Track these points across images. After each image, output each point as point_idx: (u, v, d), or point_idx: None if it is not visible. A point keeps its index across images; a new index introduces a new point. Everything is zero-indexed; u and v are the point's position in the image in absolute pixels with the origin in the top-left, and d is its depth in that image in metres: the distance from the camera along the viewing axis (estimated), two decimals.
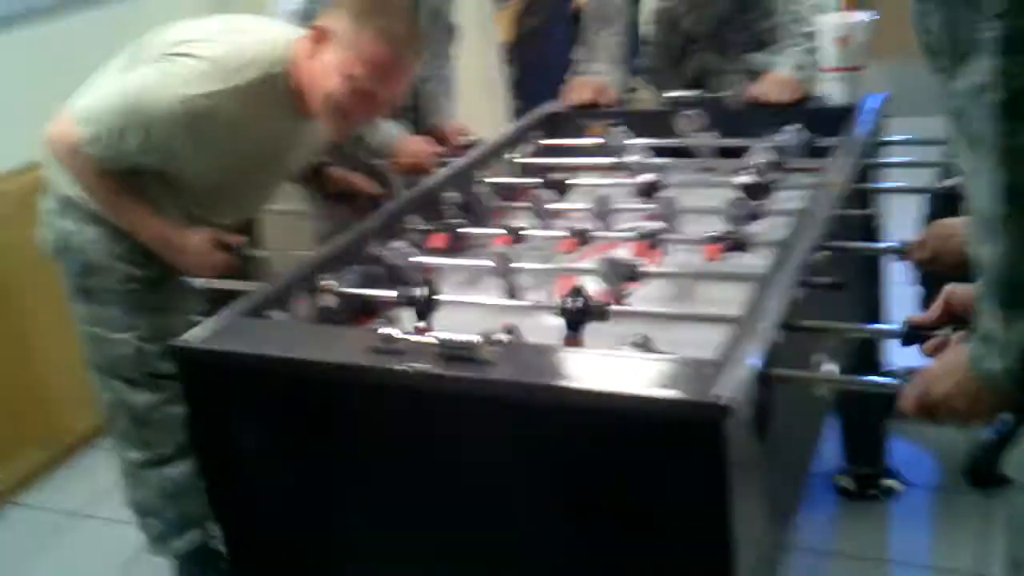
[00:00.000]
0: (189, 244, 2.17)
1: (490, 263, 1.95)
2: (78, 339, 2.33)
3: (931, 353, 1.44)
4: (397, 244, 2.06)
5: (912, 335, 1.50)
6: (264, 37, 2.10)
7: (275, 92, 2.07)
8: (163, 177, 2.14)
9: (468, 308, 1.89)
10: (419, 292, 1.80)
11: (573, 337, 1.68)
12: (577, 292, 1.70)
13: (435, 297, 1.80)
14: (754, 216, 2.03)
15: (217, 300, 1.93)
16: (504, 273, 1.92)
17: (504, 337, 1.50)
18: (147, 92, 2.04)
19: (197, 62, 2.03)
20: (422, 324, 1.76)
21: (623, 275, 1.82)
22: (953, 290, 1.48)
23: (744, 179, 2.18)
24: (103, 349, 2.29)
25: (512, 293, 1.93)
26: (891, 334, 1.58)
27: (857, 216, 2.15)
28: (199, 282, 2.19)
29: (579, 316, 1.68)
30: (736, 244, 1.91)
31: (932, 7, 1.17)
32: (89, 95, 2.11)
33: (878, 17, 2.40)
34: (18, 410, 3.15)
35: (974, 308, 1.25)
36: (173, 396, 2.24)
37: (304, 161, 2.37)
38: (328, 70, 2.01)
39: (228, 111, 2.03)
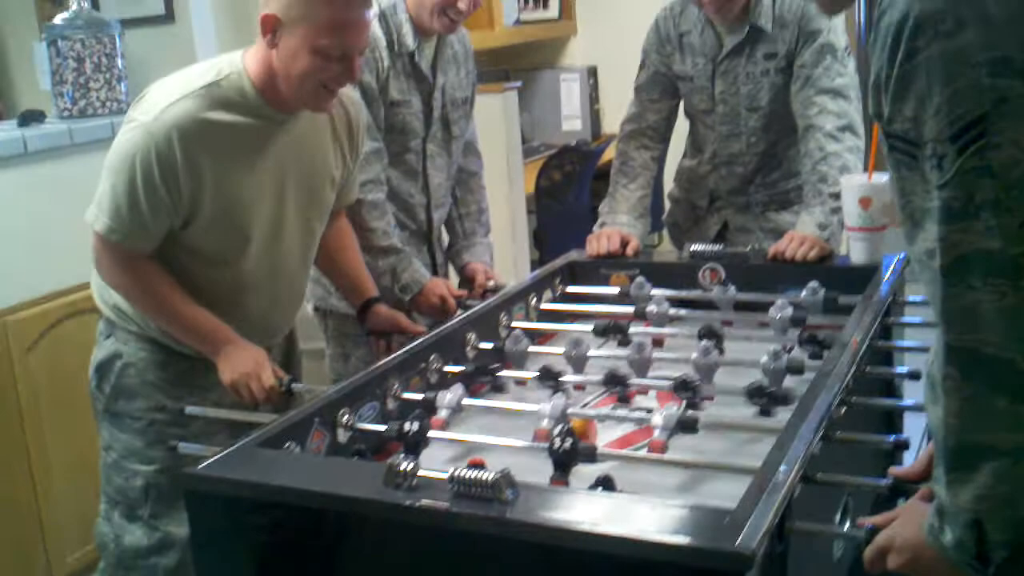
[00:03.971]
0: (245, 351, 2.10)
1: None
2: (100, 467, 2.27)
3: None
4: None
5: (896, 488, 1.50)
6: (210, 60, 2.08)
7: (242, 92, 2.02)
8: (201, 257, 2.11)
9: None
10: (407, 427, 1.80)
11: (561, 478, 1.67)
12: (567, 433, 1.70)
13: (427, 434, 1.81)
14: (791, 371, 2.02)
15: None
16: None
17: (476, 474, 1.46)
18: (123, 144, 2.00)
19: (156, 95, 2.01)
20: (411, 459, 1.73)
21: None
22: None
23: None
24: (115, 476, 2.24)
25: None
26: (876, 488, 1.57)
27: (878, 373, 2.14)
28: (209, 412, 2.13)
29: (568, 457, 1.67)
30: (774, 398, 1.92)
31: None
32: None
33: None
34: (17, 542, 3.09)
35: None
36: (164, 545, 2.18)
37: (323, 191, 2.26)
38: (293, 53, 1.95)
39: (202, 117, 1.98)
